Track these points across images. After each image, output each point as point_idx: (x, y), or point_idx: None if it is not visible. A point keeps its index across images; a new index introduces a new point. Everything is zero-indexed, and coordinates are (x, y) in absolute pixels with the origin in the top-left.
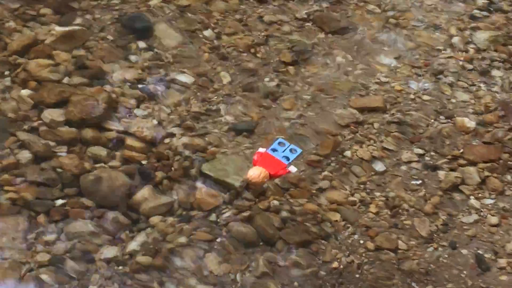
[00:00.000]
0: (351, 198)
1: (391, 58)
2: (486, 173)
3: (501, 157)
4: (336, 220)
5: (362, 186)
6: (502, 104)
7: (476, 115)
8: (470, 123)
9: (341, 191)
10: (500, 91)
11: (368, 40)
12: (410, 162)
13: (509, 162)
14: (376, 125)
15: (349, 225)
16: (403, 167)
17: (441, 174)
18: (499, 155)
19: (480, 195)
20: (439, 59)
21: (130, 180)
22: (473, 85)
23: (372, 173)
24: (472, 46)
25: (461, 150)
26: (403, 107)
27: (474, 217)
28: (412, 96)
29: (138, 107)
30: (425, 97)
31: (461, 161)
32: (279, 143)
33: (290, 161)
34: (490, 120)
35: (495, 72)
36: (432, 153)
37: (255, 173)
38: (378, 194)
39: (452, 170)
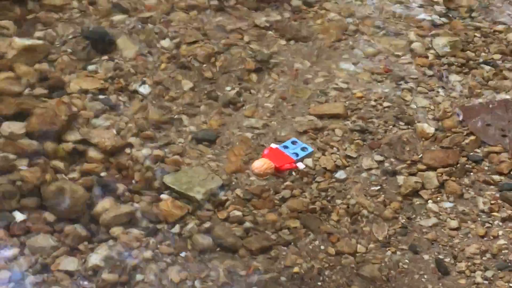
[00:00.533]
0: (312, 206)
1: (351, 65)
2: (445, 177)
3: (459, 161)
4: (296, 227)
5: (323, 193)
6: (461, 109)
7: (435, 121)
8: (429, 128)
9: (302, 199)
10: (458, 96)
11: (328, 47)
12: (370, 169)
13: (466, 166)
14: (337, 131)
15: (307, 231)
16: (363, 174)
17: (401, 179)
18: (457, 159)
19: (438, 199)
20: (399, 65)
21: (90, 192)
22: (432, 90)
23: (333, 180)
24: (431, 51)
25: (421, 156)
26: (364, 114)
27: (433, 220)
28: (373, 103)
29: (98, 117)
30: (386, 104)
31: (421, 166)
32: (293, 142)
33: (299, 157)
34: (449, 125)
35: (453, 77)
36: (392, 159)
37: (259, 164)
38: (339, 201)
39: (411, 175)
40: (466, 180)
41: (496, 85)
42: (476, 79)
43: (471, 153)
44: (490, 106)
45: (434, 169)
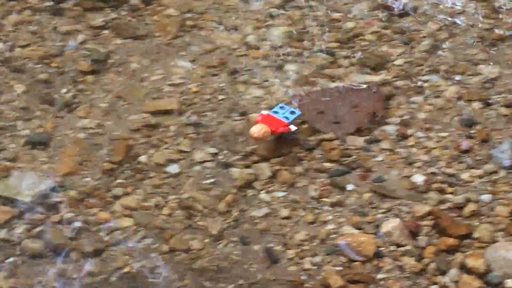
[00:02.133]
0: (145, 203)
1: (188, 61)
2: (278, 167)
3: (292, 150)
4: (127, 226)
5: (157, 190)
6: (295, 97)
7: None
8: None
9: (135, 197)
10: (292, 85)
11: (165, 45)
12: (203, 162)
13: (299, 154)
14: (172, 128)
15: (141, 229)
16: (197, 167)
17: (235, 171)
18: (291, 148)
19: (271, 189)
20: (235, 58)
21: None
22: (267, 81)
23: (166, 175)
24: (267, 43)
25: (254, 146)
26: (198, 108)
27: (265, 210)
28: (207, 97)
29: None
30: (220, 96)
31: (254, 158)
32: (281, 107)
33: (290, 120)
34: None
35: (288, 67)
36: (226, 151)
37: (257, 129)
38: (172, 197)
39: (246, 167)
40: (298, 169)
41: (331, 73)
42: (311, 68)
43: (304, 142)
44: (324, 94)
45: (267, 159)
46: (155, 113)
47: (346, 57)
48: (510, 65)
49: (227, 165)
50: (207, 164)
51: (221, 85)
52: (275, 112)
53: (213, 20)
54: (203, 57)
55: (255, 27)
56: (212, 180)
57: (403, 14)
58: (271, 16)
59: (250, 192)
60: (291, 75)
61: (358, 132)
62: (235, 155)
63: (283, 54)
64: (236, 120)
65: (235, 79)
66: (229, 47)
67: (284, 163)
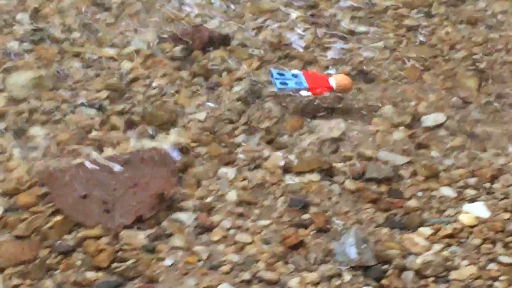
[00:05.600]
0: None
1: None
2: (16, 281)
3: (38, 255)
4: None
5: None
6: (44, 177)
7: (5, 198)
8: None
9: None
10: (41, 157)
11: None
12: None
13: (49, 261)
14: None
15: None
16: None
17: None
18: (36, 252)
19: None
20: None
21: None
22: (3, 152)
23: None
24: (3, 94)
25: None
26: None
27: None
28: None
29: None
30: None
31: None
32: (279, 74)
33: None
34: (26, 202)
35: (35, 130)
36: None
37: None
38: None
39: None
40: (48, 283)
41: (102, 138)
42: (72, 130)
43: (58, 242)
44: (90, 168)
45: (1, 270)
46: None
47: (121, 112)
48: (362, 115)
49: None
50: None
51: None
52: (286, 80)
53: None
54: None
55: None
56: None
57: (209, 45)
58: (11, 54)
59: None
60: (40, 143)
61: (138, 223)
62: None
63: (29, 111)
64: None
65: None
66: None
67: (26, 274)
